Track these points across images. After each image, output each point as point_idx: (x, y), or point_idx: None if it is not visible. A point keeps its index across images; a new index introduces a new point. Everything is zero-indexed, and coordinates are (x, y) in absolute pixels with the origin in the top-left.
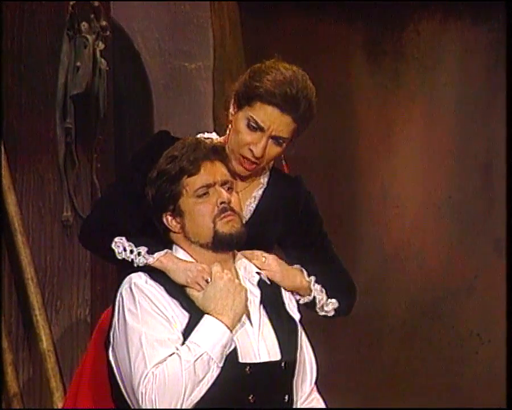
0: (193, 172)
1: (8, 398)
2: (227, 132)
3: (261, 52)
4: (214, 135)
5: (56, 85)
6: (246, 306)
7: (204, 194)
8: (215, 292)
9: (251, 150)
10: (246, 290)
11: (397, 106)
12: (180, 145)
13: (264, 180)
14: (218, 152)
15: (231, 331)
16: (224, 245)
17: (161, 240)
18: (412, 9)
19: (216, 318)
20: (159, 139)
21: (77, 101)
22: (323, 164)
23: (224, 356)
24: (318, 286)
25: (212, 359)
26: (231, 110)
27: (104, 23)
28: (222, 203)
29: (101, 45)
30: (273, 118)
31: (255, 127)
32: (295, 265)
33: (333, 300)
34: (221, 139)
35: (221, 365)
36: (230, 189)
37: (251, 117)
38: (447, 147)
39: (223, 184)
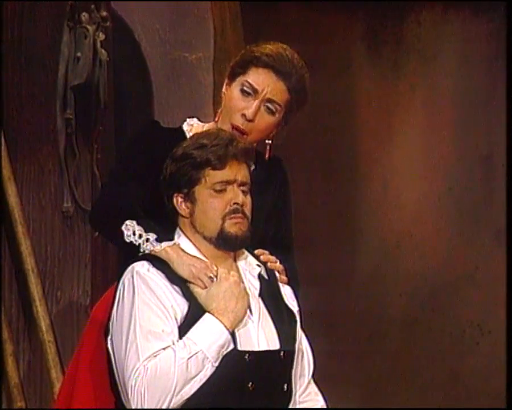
0: (218, 167)
1: (9, 388)
2: (218, 111)
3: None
4: (195, 121)
5: (56, 75)
6: (246, 312)
7: (221, 190)
8: (219, 292)
9: (243, 115)
10: (249, 296)
11: (398, 96)
12: (213, 135)
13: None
14: (247, 155)
15: (230, 332)
16: (227, 245)
17: (169, 226)
18: (413, 0)
19: (217, 317)
20: (151, 127)
21: (77, 92)
22: (323, 155)
23: (221, 357)
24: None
25: (207, 358)
26: (224, 90)
27: (104, 14)
28: (235, 203)
29: (101, 36)
30: (267, 81)
31: (248, 91)
32: None
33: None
34: (211, 123)
35: (216, 364)
36: (245, 193)
37: (245, 81)
38: (447, 138)
39: (241, 185)
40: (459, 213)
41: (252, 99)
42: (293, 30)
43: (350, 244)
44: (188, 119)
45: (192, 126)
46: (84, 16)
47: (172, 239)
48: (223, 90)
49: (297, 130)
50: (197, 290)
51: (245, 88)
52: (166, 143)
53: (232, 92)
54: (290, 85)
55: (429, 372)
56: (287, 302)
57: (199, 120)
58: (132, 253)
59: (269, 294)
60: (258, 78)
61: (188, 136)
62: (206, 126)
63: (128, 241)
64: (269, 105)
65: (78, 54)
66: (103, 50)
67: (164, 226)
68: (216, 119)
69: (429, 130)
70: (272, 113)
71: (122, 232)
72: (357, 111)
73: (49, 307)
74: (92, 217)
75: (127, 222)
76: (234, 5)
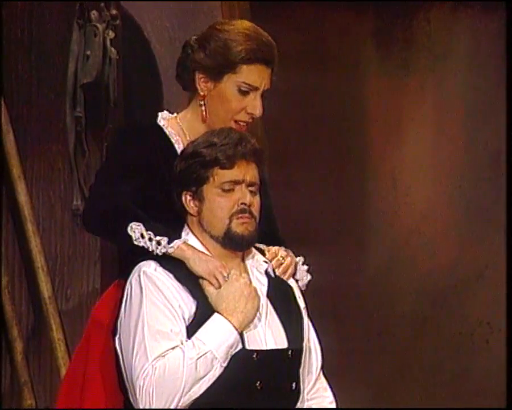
0: (227, 166)
1: (19, 386)
2: (202, 108)
3: None
4: (166, 113)
5: (66, 74)
6: (256, 314)
7: (229, 189)
8: (229, 292)
9: (249, 113)
10: (260, 298)
11: (407, 94)
12: (223, 134)
13: None
14: (256, 155)
15: (239, 332)
16: (233, 244)
17: (166, 225)
18: None
19: (226, 318)
20: (129, 127)
21: (87, 90)
22: (332, 153)
23: (229, 357)
24: (304, 267)
25: (216, 358)
26: (201, 85)
27: (114, 12)
28: (242, 203)
29: (111, 34)
30: (262, 75)
31: (246, 90)
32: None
33: (309, 276)
34: (183, 113)
35: (224, 365)
36: (253, 193)
37: (242, 82)
38: (457, 136)
39: (249, 185)
40: (468, 211)
41: (252, 95)
42: (303, 28)
43: (359, 241)
44: (160, 114)
45: (166, 120)
46: (94, 14)
47: (178, 237)
48: (201, 85)
49: (306, 127)
50: (209, 289)
51: (243, 89)
52: (147, 141)
53: (226, 93)
54: (274, 65)
55: (438, 370)
56: (297, 297)
57: (170, 112)
58: (135, 252)
59: (277, 291)
60: (254, 75)
61: (167, 131)
62: (179, 116)
63: (138, 244)
64: (263, 93)
65: (88, 52)
66: (112, 49)
67: (163, 225)
68: (204, 119)
69: (438, 128)
70: (264, 96)
71: (126, 234)
72: (367, 109)
73: (59, 305)
74: (87, 220)
75: (132, 225)
76: (244, 3)
